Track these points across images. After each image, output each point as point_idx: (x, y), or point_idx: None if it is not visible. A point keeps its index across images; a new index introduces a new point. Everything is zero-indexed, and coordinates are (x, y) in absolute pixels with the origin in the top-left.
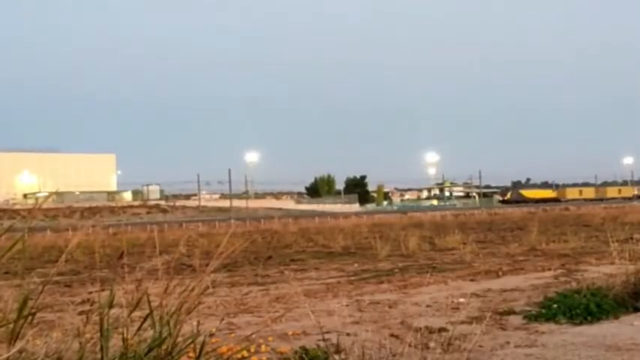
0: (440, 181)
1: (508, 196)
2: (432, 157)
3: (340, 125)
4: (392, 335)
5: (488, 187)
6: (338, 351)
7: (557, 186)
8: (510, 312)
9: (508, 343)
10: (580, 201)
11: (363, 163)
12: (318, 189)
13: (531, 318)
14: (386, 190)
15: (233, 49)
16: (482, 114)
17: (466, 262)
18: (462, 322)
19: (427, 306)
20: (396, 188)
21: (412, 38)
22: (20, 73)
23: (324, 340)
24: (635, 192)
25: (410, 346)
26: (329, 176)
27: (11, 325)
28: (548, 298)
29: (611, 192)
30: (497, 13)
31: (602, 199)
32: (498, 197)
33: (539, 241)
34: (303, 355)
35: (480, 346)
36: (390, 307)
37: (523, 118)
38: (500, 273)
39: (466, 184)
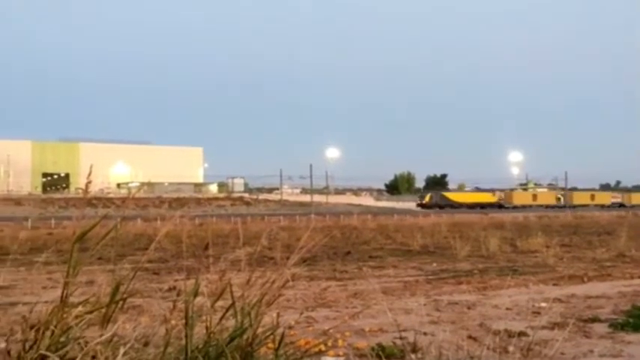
0: (523, 182)
1: (427, 199)
2: (515, 156)
3: (423, 123)
4: (470, 337)
5: (574, 188)
6: (415, 350)
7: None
8: (595, 319)
9: (592, 351)
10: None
11: (444, 161)
12: (398, 186)
13: (617, 327)
14: (467, 189)
15: (313, 48)
16: (571, 112)
17: (549, 266)
18: (543, 328)
19: (507, 309)
20: (477, 187)
21: (504, 39)
22: (118, 70)
23: (400, 338)
24: None
25: (488, 349)
26: (409, 174)
27: (104, 309)
28: (637, 306)
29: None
30: (589, 3)
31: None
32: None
33: (628, 246)
34: (380, 352)
35: (562, 354)
36: (469, 308)
37: (616, 117)
38: (586, 278)
39: (550, 186)
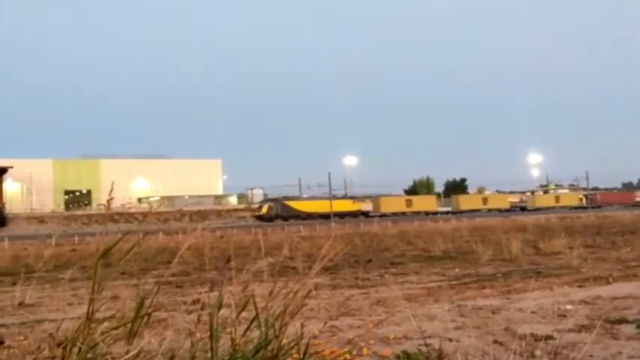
0: (544, 183)
1: (264, 210)
2: (534, 158)
3: (440, 127)
4: (495, 342)
5: (596, 189)
6: (440, 356)
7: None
8: (622, 321)
9: (620, 353)
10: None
11: (463, 165)
12: (417, 192)
13: None
14: (487, 192)
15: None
16: (591, 111)
17: (573, 268)
18: (570, 330)
19: (532, 312)
20: (497, 191)
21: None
22: (135, 84)
23: (425, 345)
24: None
25: (515, 353)
26: (428, 179)
27: (129, 325)
28: None
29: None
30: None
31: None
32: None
33: None
34: None
35: (590, 356)
36: (493, 312)
37: (637, 115)
38: (611, 279)
39: (572, 186)
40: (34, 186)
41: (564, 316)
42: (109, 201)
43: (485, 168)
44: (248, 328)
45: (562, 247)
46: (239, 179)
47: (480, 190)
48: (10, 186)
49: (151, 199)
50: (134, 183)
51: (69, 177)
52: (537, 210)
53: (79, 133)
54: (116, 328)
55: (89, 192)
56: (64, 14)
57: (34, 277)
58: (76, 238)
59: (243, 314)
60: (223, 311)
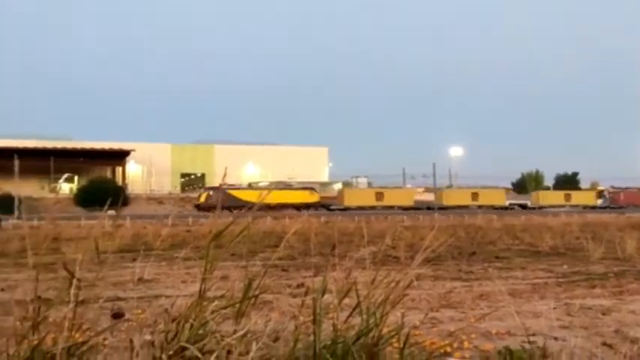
0: None
1: (202, 198)
2: None
3: (551, 119)
4: (604, 344)
5: None
6: (544, 355)
7: None
8: None
9: None
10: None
11: (575, 159)
12: (525, 185)
13: None
14: (601, 187)
15: (436, 45)
16: None
17: None
18: None
19: None
20: (612, 186)
21: None
22: (237, 75)
23: (529, 342)
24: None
25: (625, 357)
26: (537, 172)
27: (238, 305)
28: None
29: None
30: None
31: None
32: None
33: None
34: (507, 356)
35: None
36: (603, 313)
37: None
38: None
39: None
40: (153, 168)
41: None
42: (221, 185)
43: (600, 162)
44: (350, 314)
45: None
46: (345, 167)
47: (594, 186)
48: (132, 168)
49: (260, 184)
50: (245, 168)
51: (185, 161)
52: (541, 208)
53: (195, 119)
54: (225, 307)
55: (203, 175)
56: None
57: (152, 254)
58: (190, 220)
59: (345, 301)
60: (326, 297)
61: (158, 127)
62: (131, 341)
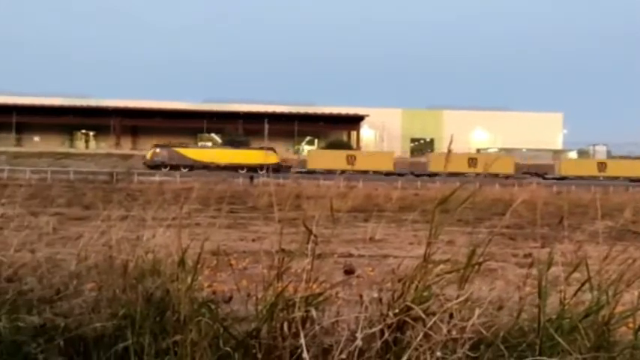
0: None
1: (148, 156)
2: None
3: None
4: None
5: None
6: None
7: None
8: None
9: None
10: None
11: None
12: None
13: None
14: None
15: None
16: None
17: None
18: None
19: None
20: None
21: None
22: (469, 41)
23: None
24: None
25: None
26: None
27: (462, 271)
28: None
29: None
30: None
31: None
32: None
33: None
34: None
35: None
36: None
37: None
38: None
39: None
40: (385, 133)
41: None
42: (448, 152)
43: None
44: (579, 289)
45: None
46: (581, 134)
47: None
48: (366, 132)
49: (489, 150)
50: (473, 134)
51: (415, 126)
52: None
53: (426, 86)
54: (450, 272)
55: (432, 140)
56: None
57: (383, 215)
58: (419, 183)
59: (574, 275)
60: (553, 269)
61: (391, 93)
62: (361, 296)
